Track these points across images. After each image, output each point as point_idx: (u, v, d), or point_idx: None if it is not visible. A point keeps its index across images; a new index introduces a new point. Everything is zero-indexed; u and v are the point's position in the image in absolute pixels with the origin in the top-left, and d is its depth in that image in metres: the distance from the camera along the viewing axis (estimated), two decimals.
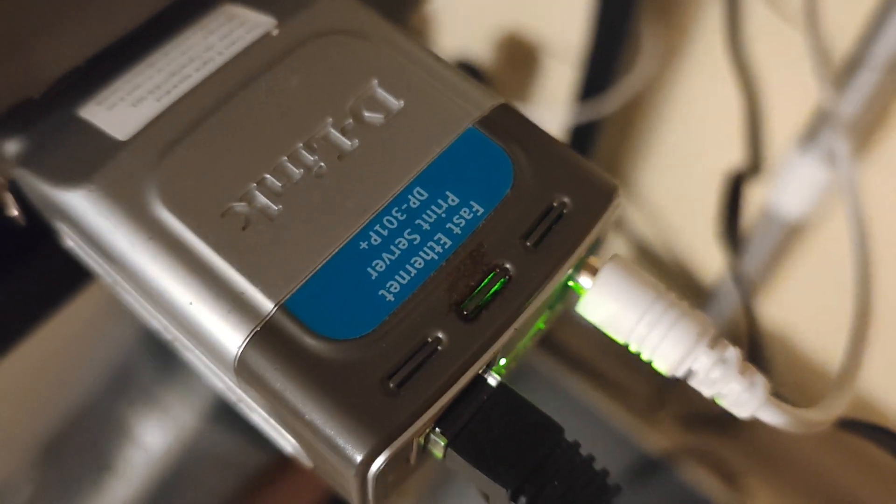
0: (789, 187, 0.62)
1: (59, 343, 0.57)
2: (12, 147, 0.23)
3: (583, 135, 0.77)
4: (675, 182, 0.77)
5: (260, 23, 0.24)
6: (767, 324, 0.76)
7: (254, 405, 0.21)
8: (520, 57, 0.83)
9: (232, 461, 0.82)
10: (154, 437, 0.81)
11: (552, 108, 0.79)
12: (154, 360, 0.82)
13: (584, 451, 0.21)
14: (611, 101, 0.72)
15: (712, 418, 0.79)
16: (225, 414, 0.83)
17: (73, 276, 0.30)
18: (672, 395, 0.80)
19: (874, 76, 0.54)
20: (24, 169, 0.23)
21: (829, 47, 0.59)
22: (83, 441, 0.82)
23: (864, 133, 0.60)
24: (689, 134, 0.75)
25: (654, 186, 0.78)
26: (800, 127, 0.62)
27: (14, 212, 0.24)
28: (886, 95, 0.57)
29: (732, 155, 0.66)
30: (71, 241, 0.23)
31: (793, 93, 0.62)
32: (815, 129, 0.60)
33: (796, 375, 0.77)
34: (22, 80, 0.23)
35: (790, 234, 0.66)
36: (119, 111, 0.23)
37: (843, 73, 0.57)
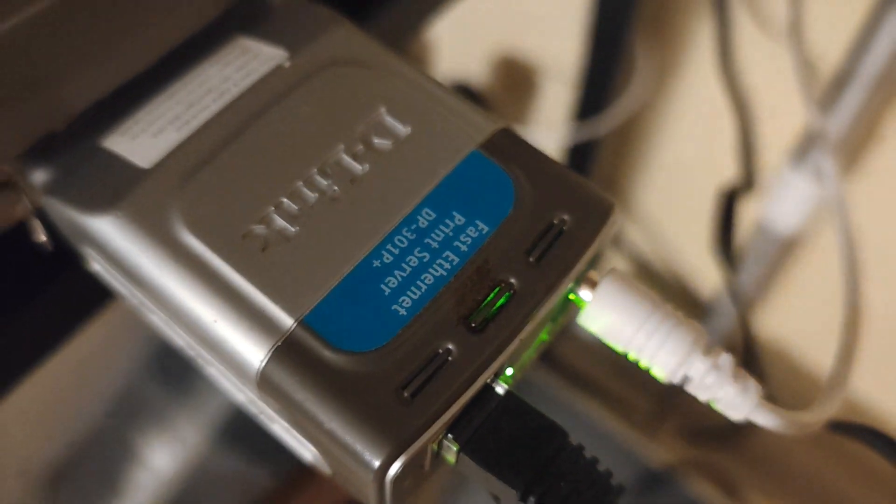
0: (781, 203, 0.63)
1: (69, 367, 0.58)
2: (40, 176, 0.24)
3: (581, 154, 0.78)
4: (671, 199, 0.79)
5: (272, 55, 0.26)
6: (763, 335, 0.77)
7: (275, 416, 0.22)
8: (517, 79, 0.84)
9: (239, 482, 0.83)
10: (163, 460, 0.82)
11: (550, 128, 0.80)
12: (163, 383, 0.83)
13: (587, 455, 0.22)
14: (607, 121, 0.73)
15: (711, 431, 0.80)
16: (232, 436, 0.84)
17: (91, 300, 0.31)
18: (672, 408, 0.81)
19: (860, 94, 0.56)
20: (52, 197, 0.24)
21: (816, 65, 0.61)
22: (93, 465, 0.83)
23: (852, 149, 0.61)
24: (683, 152, 0.76)
25: (650, 203, 0.79)
26: (791, 144, 0.63)
27: (42, 238, 0.25)
28: (872, 112, 0.59)
29: (726, 172, 0.67)
30: (97, 265, 0.24)
31: (784, 110, 0.63)
32: (804, 147, 0.61)
33: (791, 383, 0.78)
34: (48, 114, 0.24)
35: (784, 249, 0.68)
36: (141, 141, 0.24)
37: (830, 91, 0.59)
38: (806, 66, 0.56)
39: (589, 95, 0.74)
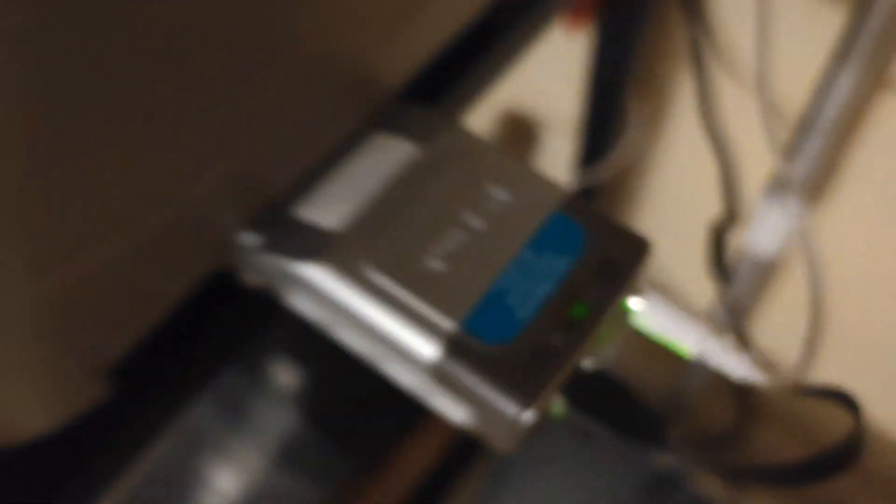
0: (759, 233, 0.74)
1: None
2: (251, 239, 0.35)
3: (584, 197, 0.87)
4: (666, 233, 0.89)
5: (408, 148, 0.37)
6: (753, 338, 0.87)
7: (439, 392, 0.33)
8: (521, 132, 0.94)
9: (296, 498, 0.93)
10: (227, 483, 0.91)
11: (554, 175, 0.89)
12: (224, 414, 0.93)
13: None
14: (606, 168, 0.83)
15: (715, 437, 0.89)
16: (286, 458, 0.94)
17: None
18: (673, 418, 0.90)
19: (821, 140, 0.67)
20: (264, 252, 0.35)
21: (784, 110, 0.71)
22: (162, 492, 0.92)
23: (816, 186, 0.72)
24: (674, 191, 0.87)
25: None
26: (765, 182, 0.74)
27: (250, 281, 0.36)
28: (833, 155, 0.70)
29: (712, 208, 0.78)
30: (297, 299, 0.35)
31: (758, 152, 0.74)
32: (774, 186, 0.72)
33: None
34: (265, 195, 0.35)
35: (765, 271, 0.78)
36: (329, 208, 0.35)
37: (795, 135, 0.69)
38: (774, 114, 0.67)
39: (589, 145, 0.84)
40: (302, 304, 0.35)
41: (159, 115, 0.26)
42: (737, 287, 0.79)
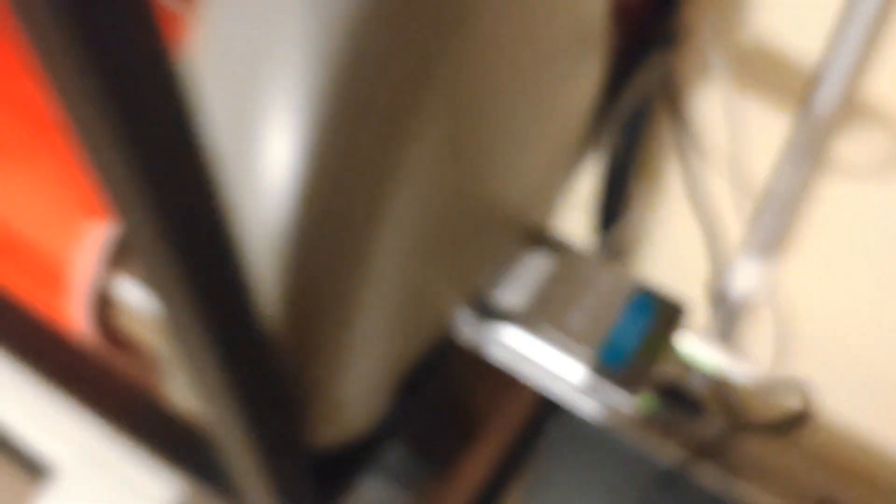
0: (737, 284, 0.99)
1: None
2: (466, 313, 0.60)
3: None
4: (665, 276, 1.12)
5: (551, 258, 0.62)
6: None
7: (584, 396, 0.58)
8: None
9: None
10: None
11: (575, 238, 1.09)
12: None
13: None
14: (617, 235, 1.05)
15: (709, 443, 1.13)
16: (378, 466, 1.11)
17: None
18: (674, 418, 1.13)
19: (776, 211, 0.91)
20: (476, 320, 0.60)
21: (751, 183, 0.93)
22: None
23: (777, 243, 0.96)
24: (670, 253, 1.09)
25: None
26: (738, 244, 0.98)
27: (465, 341, 0.61)
28: (786, 223, 0.94)
29: (699, 259, 1.01)
30: (497, 350, 0.60)
31: (732, 219, 0.98)
32: (743, 244, 0.96)
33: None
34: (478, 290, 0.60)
35: (744, 310, 1.03)
36: (512, 292, 0.60)
37: (758, 207, 0.93)
38: (743, 192, 0.91)
39: (602, 216, 1.04)
40: (500, 353, 0.60)
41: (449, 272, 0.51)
42: (722, 316, 1.03)
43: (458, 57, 0.40)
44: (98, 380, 0.53)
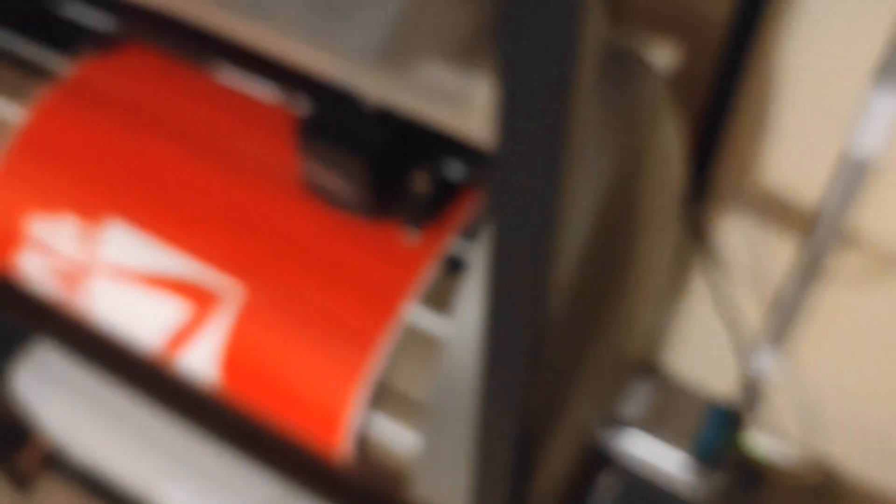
0: (759, 361, 1.17)
1: None
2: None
3: None
4: (702, 367, 1.24)
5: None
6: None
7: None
8: None
9: None
10: None
11: None
12: None
13: None
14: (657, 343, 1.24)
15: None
16: None
17: None
18: None
19: (787, 317, 1.09)
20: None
21: (768, 290, 1.10)
22: None
23: (789, 341, 1.15)
24: (702, 352, 1.25)
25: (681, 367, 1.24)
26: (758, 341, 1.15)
27: None
28: (797, 320, 1.09)
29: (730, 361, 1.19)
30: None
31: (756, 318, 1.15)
32: (761, 342, 1.14)
33: None
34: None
35: (768, 394, 1.20)
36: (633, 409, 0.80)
37: (776, 303, 1.10)
38: (759, 297, 1.07)
39: None
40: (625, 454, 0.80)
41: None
42: (750, 398, 1.20)
43: (624, 285, 0.62)
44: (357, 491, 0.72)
